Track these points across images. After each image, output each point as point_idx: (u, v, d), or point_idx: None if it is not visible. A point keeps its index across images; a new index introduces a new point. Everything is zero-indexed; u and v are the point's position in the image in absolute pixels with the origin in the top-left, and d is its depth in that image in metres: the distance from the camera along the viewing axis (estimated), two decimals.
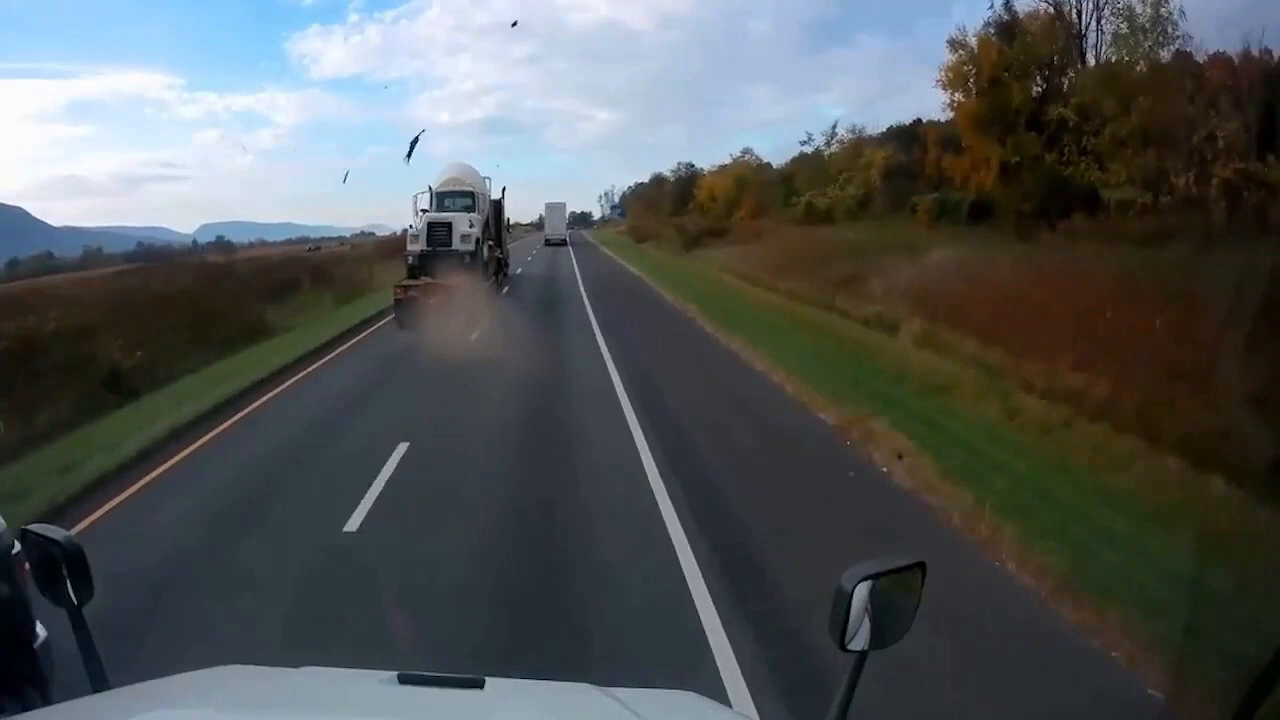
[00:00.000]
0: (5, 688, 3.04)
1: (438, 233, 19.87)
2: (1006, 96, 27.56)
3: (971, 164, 28.26)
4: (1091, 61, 30.65)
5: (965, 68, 28.60)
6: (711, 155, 65.91)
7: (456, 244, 19.70)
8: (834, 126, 41.82)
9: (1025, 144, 26.96)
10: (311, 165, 53.49)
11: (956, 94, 29.23)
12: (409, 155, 27.49)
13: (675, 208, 50.80)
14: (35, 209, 55.45)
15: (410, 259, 19.65)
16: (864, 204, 37.76)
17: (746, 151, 48.09)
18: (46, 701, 3.11)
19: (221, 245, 45.15)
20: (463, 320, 16.16)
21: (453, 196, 21.70)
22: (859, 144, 40.50)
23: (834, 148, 41.10)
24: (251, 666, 2.12)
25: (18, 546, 3.21)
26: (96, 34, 53.92)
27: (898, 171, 38.17)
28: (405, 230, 21.79)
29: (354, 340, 16.75)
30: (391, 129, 56.51)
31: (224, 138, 52.57)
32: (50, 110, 51.89)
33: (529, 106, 61.43)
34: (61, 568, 2.03)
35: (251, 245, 45.70)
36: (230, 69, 58.15)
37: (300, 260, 34.62)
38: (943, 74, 29.22)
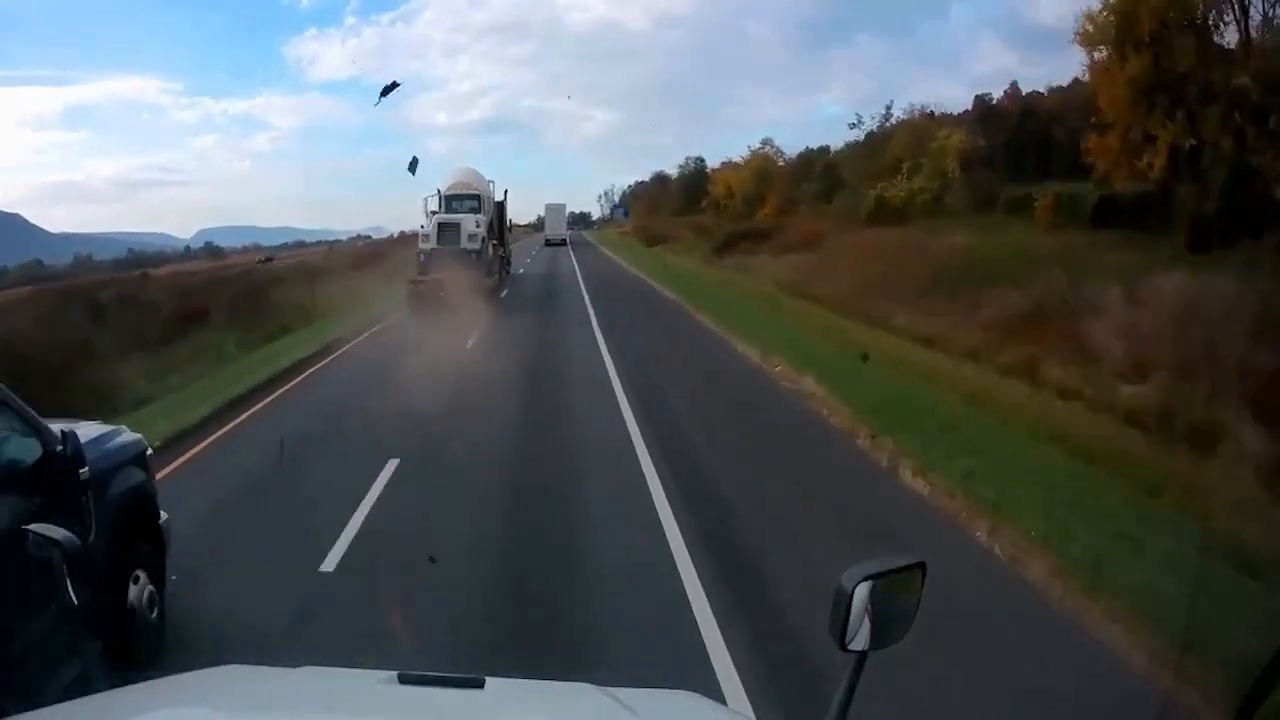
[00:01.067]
0: (139, 554, 4.72)
1: (447, 232, 21.45)
2: (1170, 56, 20.36)
3: (1123, 147, 20.83)
4: (1256, 18, 23.12)
5: (1111, 18, 21.17)
6: (711, 154, 64.37)
7: (464, 243, 21.26)
8: (889, 107, 35.07)
9: (1205, 121, 19.71)
10: (310, 168, 54.35)
11: (1098, 52, 21.82)
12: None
13: (683, 206, 47.11)
14: (33, 215, 57.20)
15: (421, 256, 21.25)
16: (937, 199, 31.01)
17: (766, 143, 43.45)
18: (161, 567, 4.94)
19: (211, 250, 44.49)
20: (466, 316, 16.43)
21: (460, 199, 23.39)
22: (924, 125, 33.47)
23: (871, 133, 34.74)
24: (251, 666, 2.15)
25: (150, 450, 5.23)
26: (93, 40, 56.39)
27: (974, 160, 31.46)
28: (402, 232, 25.77)
29: (220, 434, 9.48)
30: (389, 131, 54.88)
31: (222, 142, 52.10)
32: (47, 116, 49.78)
33: (527, 107, 61.81)
34: (62, 567, 2.21)
35: (245, 249, 45.01)
36: (227, 74, 57.41)
37: (250, 275, 28.57)
38: (1081, 25, 21.91)
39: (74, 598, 2.23)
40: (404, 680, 1.81)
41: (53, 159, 51.61)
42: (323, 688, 2.02)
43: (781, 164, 41.68)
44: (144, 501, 4.99)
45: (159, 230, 48.69)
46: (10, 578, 3.21)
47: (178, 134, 52.38)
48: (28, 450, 4.14)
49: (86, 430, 4.62)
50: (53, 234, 43.74)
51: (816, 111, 59.93)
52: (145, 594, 4.75)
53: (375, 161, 55.82)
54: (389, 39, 51.26)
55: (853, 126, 35.42)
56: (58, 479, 4.15)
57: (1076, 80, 28.98)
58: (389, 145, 55.05)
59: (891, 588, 1.63)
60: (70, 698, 1.95)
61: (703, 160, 49.54)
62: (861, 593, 1.58)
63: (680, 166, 50.28)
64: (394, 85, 22.76)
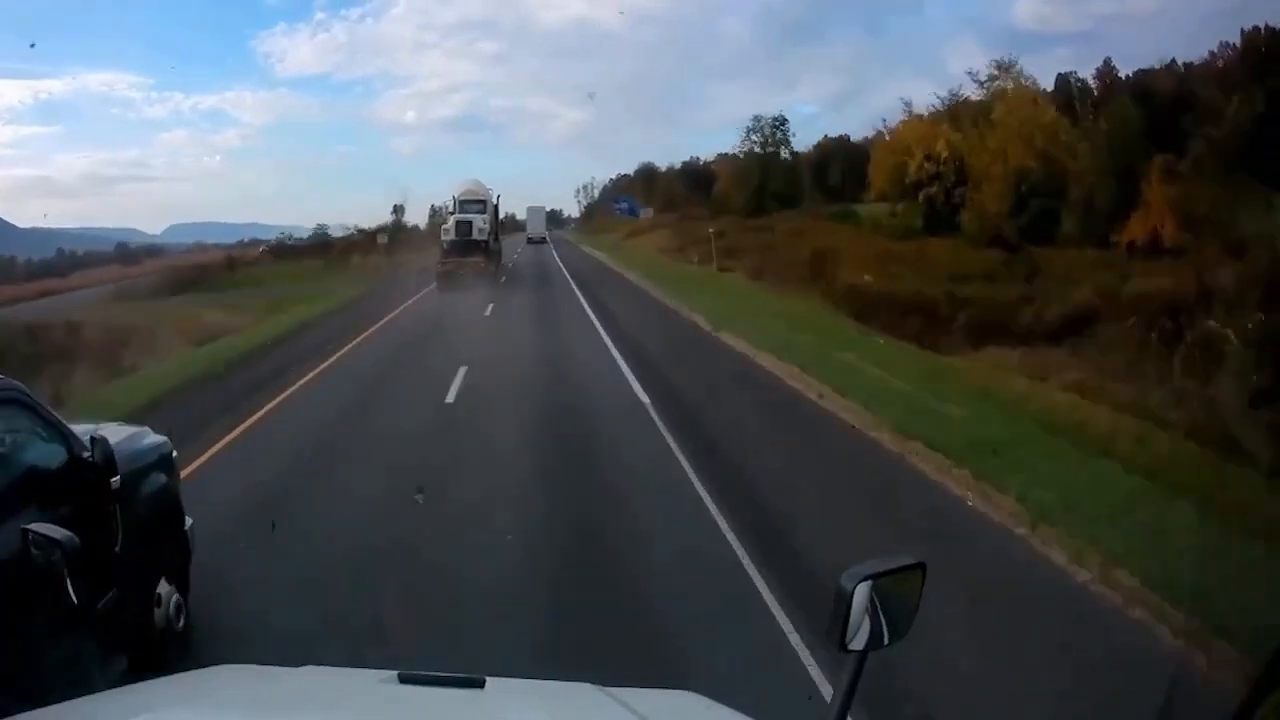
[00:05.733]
0: (166, 560, 4.69)
1: (463, 228, 29.13)
2: None
3: None
4: None
5: None
6: (672, 154, 59.13)
7: (475, 235, 29.00)
8: None
9: None
10: (279, 164, 54.62)
11: None
12: None
13: (757, 201, 32.23)
14: (2, 210, 53.19)
15: (445, 245, 29.00)
16: None
17: (1002, 69, 22.81)
18: (186, 574, 4.88)
19: (123, 254, 42.91)
20: (484, 283, 25.72)
21: (469, 203, 30.71)
22: None
23: None
24: (251, 666, 2.18)
25: (176, 452, 5.22)
26: (63, 32, 57.62)
27: None
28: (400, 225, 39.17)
29: None
30: (358, 128, 56.46)
31: (192, 137, 52.34)
32: (19, 109, 49.96)
33: (496, 105, 62.15)
34: (63, 567, 2.29)
35: (190, 249, 44.26)
36: (197, 69, 60.19)
37: None
38: None
39: (74, 597, 2.22)
40: (404, 680, 1.84)
41: (24, 153, 52.63)
42: (323, 687, 2.06)
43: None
44: (170, 507, 5.00)
45: (129, 226, 48.93)
46: (12, 578, 3.21)
47: (148, 129, 50.79)
48: (51, 456, 4.03)
49: (110, 432, 4.56)
50: (21, 229, 41.56)
51: (789, 111, 57.81)
52: (171, 602, 4.70)
53: (344, 158, 56.59)
54: (358, 35, 51.62)
55: None
56: (85, 486, 4.07)
57: None
58: (357, 142, 55.73)
59: (891, 587, 1.66)
60: (70, 697, 1.97)
61: (784, 121, 32.72)
62: (861, 593, 1.61)
63: (750, 131, 33.22)
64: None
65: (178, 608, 4.74)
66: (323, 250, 39.82)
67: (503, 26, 61.17)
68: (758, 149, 33.58)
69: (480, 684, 1.85)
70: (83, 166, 55.18)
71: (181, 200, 63.10)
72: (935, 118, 24.74)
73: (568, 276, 30.18)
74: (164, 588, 4.65)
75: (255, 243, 43.11)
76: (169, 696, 1.92)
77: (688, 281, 24.55)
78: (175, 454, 5.27)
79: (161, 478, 4.88)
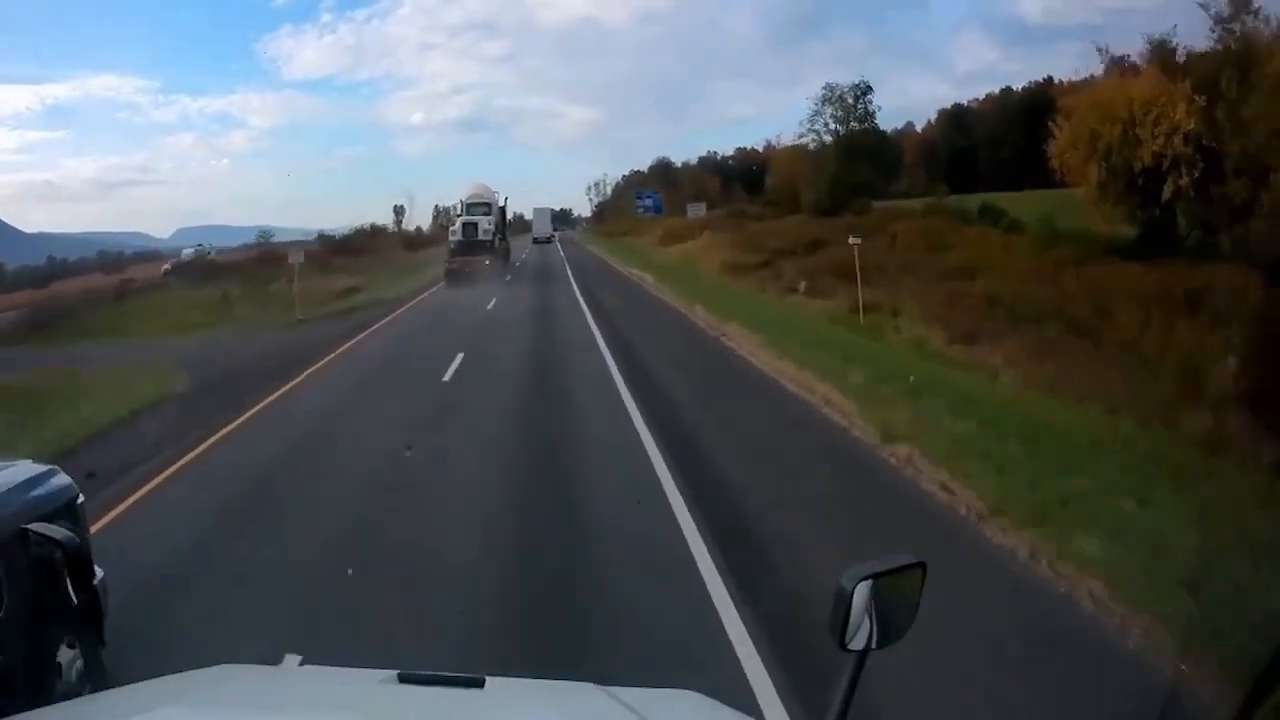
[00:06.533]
0: (71, 617, 3.73)
1: (469, 229, 31.94)
2: None
3: None
4: None
5: None
6: (683, 151, 61.26)
7: (480, 236, 31.76)
8: None
9: None
10: (287, 167, 56.73)
11: None
12: None
13: (834, 195, 24.41)
14: (7, 215, 56.11)
15: (452, 245, 32.23)
16: None
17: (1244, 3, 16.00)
18: (96, 634, 4.04)
19: (105, 260, 42.87)
20: (487, 279, 28.52)
21: (476, 205, 33.25)
22: None
23: None
24: (251, 666, 2.25)
25: (82, 497, 4.54)
26: (68, 36, 57.84)
27: None
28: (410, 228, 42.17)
29: None
30: (365, 130, 57.61)
31: (199, 141, 53.62)
32: (25, 114, 50.76)
33: (502, 105, 64.70)
34: (63, 567, 2.27)
35: (196, 253, 44.28)
36: (204, 71, 62.03)
37: None
38: None
39: (74, 597, 2.24)
40: (404, 680, 1.86)
41: (30, 158, 53.57)
42: (322, 687, 2.08)
43: None
44: (73, 560, 4.41)
45: (136, 230, 49.00)
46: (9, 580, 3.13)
47: (155, 132, 52.06)
48: None
49: (14, 472, 4.25)
50: (27, 234, 42.28)
51: (793, 108, 56.64)
52: (74, 669, 4.08)
53: (352, 160, 56.80)
54: (364, 36, 52.62)
55: None
56: None
57: None
58: (365, 144, 55.58)
59: (891, 587, 1.67)
60: (68, 697, 1.94)
61: (868, 89, 25.01)
62: (862, 592, 1.63)
63: (824, 102, 25.36)
64: None
65: (81, 676, 4.12)
66: (262, 263, 31.90)
67: (508, 26, 62.29)
68: (831, 124, 25.91)
69: (480, 684, 1.85)
70: (90, 171, 56.41)
71: (190, 204, 65.03)
72: (1166, 72, 16.26)
73: (613, 372, 13.39)
74: (66, 654, 4.07)
75: (159, 257, 38.74)
76: (169, 696, 1.92)
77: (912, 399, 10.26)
78: (82, 499, 4.68)
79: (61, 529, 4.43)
